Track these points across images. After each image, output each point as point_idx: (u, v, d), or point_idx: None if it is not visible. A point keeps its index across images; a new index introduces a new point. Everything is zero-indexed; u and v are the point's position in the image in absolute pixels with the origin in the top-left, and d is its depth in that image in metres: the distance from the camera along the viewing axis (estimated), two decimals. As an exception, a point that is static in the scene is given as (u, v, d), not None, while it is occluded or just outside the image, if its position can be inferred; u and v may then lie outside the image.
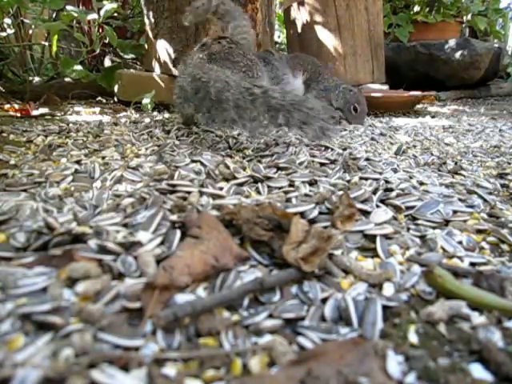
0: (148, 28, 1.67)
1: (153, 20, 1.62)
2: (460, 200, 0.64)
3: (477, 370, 0.30)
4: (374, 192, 0.63)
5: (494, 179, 0.79)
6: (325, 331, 0.33)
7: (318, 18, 1.94)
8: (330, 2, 1.91)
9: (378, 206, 0.58)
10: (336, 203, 0.53)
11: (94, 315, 0.31)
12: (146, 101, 1.47)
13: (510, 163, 0.92)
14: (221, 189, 0.61)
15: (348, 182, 0.68)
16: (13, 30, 1.67)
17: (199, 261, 0.39)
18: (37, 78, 1.82)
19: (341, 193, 0.59)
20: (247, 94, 0.84)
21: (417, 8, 2.92)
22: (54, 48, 1.58)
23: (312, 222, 0.52)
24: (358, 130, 1.31)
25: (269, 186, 0.64)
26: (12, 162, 0.76)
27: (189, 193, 0.57)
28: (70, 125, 1.14)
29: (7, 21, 1.59)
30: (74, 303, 0.33)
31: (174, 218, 0.48)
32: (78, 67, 1.62)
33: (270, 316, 0.34)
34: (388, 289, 0.39)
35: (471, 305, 0.37)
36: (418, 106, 2.25)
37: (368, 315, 0.34)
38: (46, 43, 1.76)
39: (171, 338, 0.31)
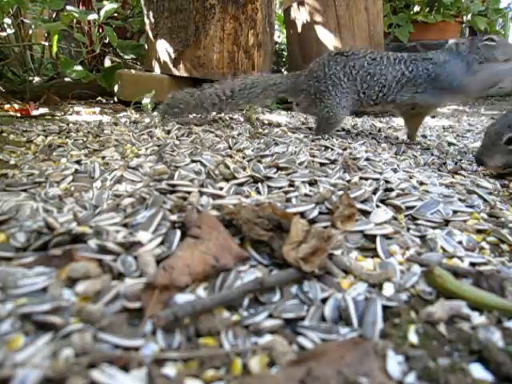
0: (148, 28, 1.67)
1: (153, 20, 1.62)
2: (460, 200, 0.64)
3: (477, 370, 0.30)
4: (374, 192, 0.62)
5: (493, 179, 0.79)
6: (325, 331, 0.33)
7: (317, 17, 1.94)
8: (330, 1, 1.91)
9: (378, 206, 0.58)
10: (336, 203, 0.53)
11: (93, 315, 0.31)
12: (145, 101, 1.47)
13: (510, 163, 0.92)
14: (221, 189, 0.60)
15: (348, 181, 0.68)
16: (13, 30, 1.66)
17: (199, 261, 0.39)
18: (37, 78, 1.82)
19: (341, 193, 0.58)
20: None
21: (417, 8, 2.91)
22: (55, 48, 1.58)
23: (312, 222, 0.52)
24: (357, 129, 1.31)
25: (269, 186, 0.64)
26: (12, 161, 0.76)
27: (189, 193, 0.57)
28: (70, 125, 1.14)
29: (7, 21, 1.59)
30: (74, 303, 0.33)
31: (173, 218, 0.48)
32: (78, 67, 1.62)
33: (270, 316, 0.34)
34: (388, 289, 0.39)
35: (471, 305, 0.37)
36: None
37: (368, 315, 0.34)
38: (46, 43, 1.76)
39: (171, 337, 0.31)
